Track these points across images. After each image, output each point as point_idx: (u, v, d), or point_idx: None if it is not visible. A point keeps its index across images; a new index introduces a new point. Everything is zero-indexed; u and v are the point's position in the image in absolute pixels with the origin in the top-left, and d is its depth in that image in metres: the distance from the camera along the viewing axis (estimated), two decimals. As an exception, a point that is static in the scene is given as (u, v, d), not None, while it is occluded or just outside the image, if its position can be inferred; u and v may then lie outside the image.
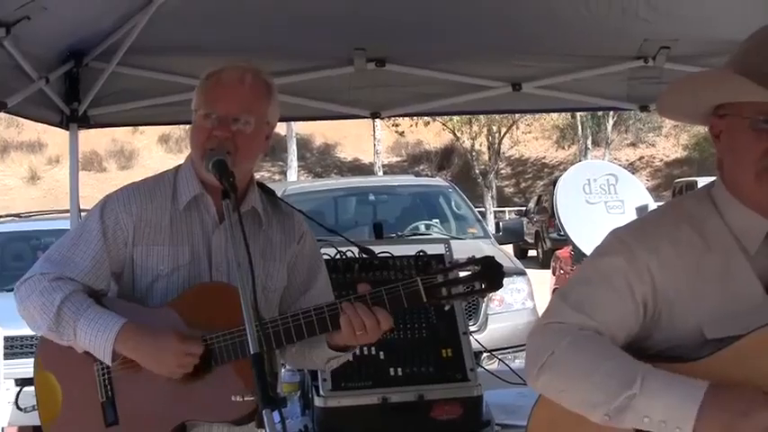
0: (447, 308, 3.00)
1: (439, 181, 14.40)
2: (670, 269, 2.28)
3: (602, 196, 9.65)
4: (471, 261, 2.82)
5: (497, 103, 5.70)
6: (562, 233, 10.25)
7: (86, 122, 5.19)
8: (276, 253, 3.17)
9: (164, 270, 3.04)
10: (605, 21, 4.76)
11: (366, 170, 43.81)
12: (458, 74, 5.38)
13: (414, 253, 4.40)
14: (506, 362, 8.31)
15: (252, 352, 2.50)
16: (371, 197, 11.82)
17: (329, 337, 2.99)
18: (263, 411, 2.37)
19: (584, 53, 5.33)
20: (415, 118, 38.02)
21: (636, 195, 9.64)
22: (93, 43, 4.76)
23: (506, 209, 41.10)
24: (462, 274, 2.82)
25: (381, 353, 4.10)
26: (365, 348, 4.05)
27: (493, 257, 2.86)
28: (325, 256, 3.80)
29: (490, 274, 2.82)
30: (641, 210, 9.40)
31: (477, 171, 41.71)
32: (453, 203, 11.63)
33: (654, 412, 2.13)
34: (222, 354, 2.91)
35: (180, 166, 3.19)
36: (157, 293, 3.05)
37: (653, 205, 10.77)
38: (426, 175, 37.47)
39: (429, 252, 4.45)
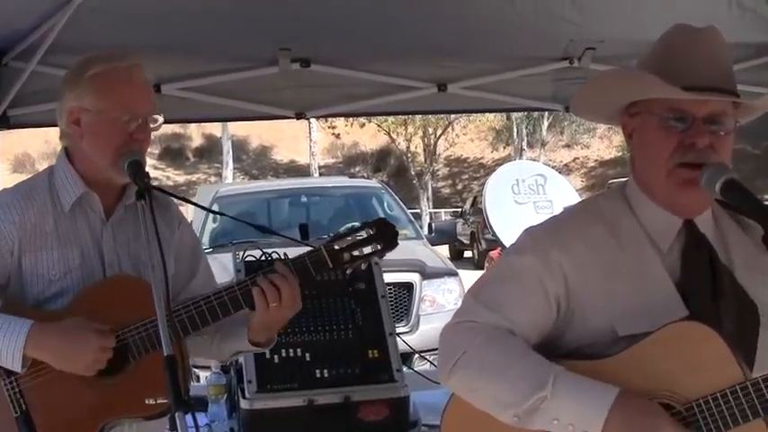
0: (349, 271, 3.01)
1: (371, 182, 14.44)
2: (582, 268, 2.30)
3: (530, 196, 9.73)
4: (366, 225, 2.93)
5: (423, 104, 5.71)
6: (490, 233, 10.33)
7: (6, 123, 5.10)
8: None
9: (55, 275, 2.96)
10: (531, 21, 4.78)
11: (302, 172, 43.67)
12: (383, 74, 5.37)
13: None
14: (436, 363, 8.39)
15: (165, 354, 2.46)
16: (304, 199, 11.81)
17: (250, 333, 3.00)
18: (176, 415, 2.34)
19: (509, 54, 5.35)
20: (350, 119, 38.19)
21: (564, 195, 9.72)
22: (12, 42, 4.67)
23: (442, 210, 41.23)
24: (360, 237, 2.93)
25: (307, 354, 4.09)
26: (291, 350, 4.05)
27: (384, 219, 3.00)
28: (250, 258, 3.78)
29: (384, 235, 2.93)
30: (569, 210, 9.49)
31: (413, 172, 41.79)
32: (386, 205, 11.65)
33: (563, 415, 2.14)
34: (138, 347, 2.87)
35: (52, 167, 3.07)
36: (51, 300, 2.97)
37: (581, 205, 10.89)
38: (363, 177, 37.65)
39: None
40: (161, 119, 3.00)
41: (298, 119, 5.56)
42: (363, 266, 3.02)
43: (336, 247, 2.91)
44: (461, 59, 5.36)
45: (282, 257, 4.22)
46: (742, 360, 2.17)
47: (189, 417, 2.38)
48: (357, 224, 2.99)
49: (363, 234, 2.92)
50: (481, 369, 2.26)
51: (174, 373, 2.40)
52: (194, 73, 5.14)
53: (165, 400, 2.58)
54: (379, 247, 2.93)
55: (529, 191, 9.69)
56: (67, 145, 3.05)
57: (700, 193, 2.25)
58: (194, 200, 15.51)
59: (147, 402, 2.74)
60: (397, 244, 2.98)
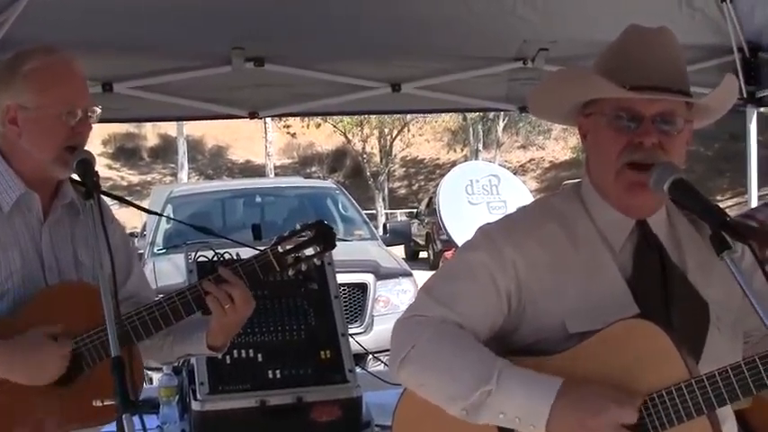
0: (291, 273, 3.05)
1: (326, 183, 14.45)
2: (535, 265, 2.31)
3: (484, 197, 9.76)
4: (306, 227, 3.01)
5: (377, 104, 5.72)
6: (444, 234, 10.37)
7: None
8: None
9: None
10: (485, 21, 4.80)
11: (258, 172, 43.52)
12: (337, 74, 5.38)
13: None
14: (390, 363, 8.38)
15: (113, 355, 2.43)
16: (258, 199, 11.80)
17: (209, 337, 3.02)
18: (123, 417, 2.31)
19: (463, 54, 5.38)
20: (306, 120, 38.18)
21: (518, 196, 9.78)
22: (-40, 38, 4.61)
23: (398, 211, 41.27)
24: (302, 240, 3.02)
25: (260, 355, 4.06)
26: (243, 351, 4.02)
27: (322, 221, 3.07)
28: (202, 259, 3.75)
29: (324, 236, 3.02)
30: (522, 210, 9.52)
31: (369, 173, 41.81)
32: (340, 205, 11.67)
33: (509, 409, 2.16)
34: (92, 355, 2.85)
35: None
36: None
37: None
38: (319, 177, 37.61)
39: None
40: (98, 110, 2.96)
41: (251, 118, 5.54)
42: (304, 267, 3.03)
43: (281, 250, 2.96)
44: (415, 59, 5.38)
45: (235, 258, 4.24)
46: (689, 358, 2.18)
47: (146, 419, 2.36)
48: (298, 226, 3.04)
49: (305, 236, 2.98)
50: (429, 363, 2.27)
51: (121, 375, 2.37)
52: (147, 71, 5.11)
53: (111, 402, 2.55)
54: (319, 248, 3.01)
55: (482, 191, 9.72)
56: (1, 144, 2.97)
57: (648, 195, 2.26)
58: (149, 200, 15.45)
59: (94, 404, 2.71)
60: (335, 245, 3.06)
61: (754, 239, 2.58)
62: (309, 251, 2.99)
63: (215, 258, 4.24)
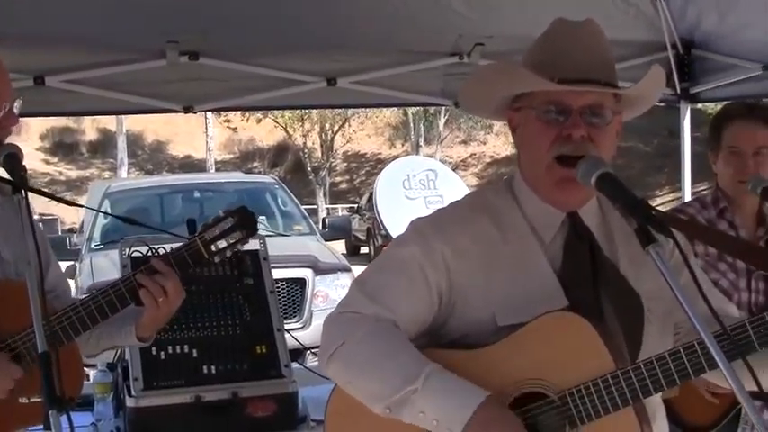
0: (217, 258, 3.06)
1: (265, 178, 14.43)
2: (465, 258, 2.31)
3: (421, 191, 9.79)
4: (228, 213, 3.01)
5: (313, 98, 5.70)
6: (382, 229, 10.40)
7: None
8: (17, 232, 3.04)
9: None
10: (420, 16, 4.81)
11: (198, 167, 43.25)
12: (272, 68, 5.36)
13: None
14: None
15: (39, 350, 2.40)
16: (197, 194, 11.76)
17: (139, 329, 3.03)
18: (49, 413, 2.28)
19: (399, 49, 5.38)
20: (246, 115, 38.00)
21: (455, 190, 9.80)
22: None
23: (339, 206, 41.25)
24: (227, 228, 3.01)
25: (194, 350, 4.04)
26: (177, 346, 4.00)
27: (244, 207, 3.06)
28: (137, 254, 3.73)
29: (246, 222, 3.01)
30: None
31: (310, 168, 41.74)
32: (279, 200, 11.67)
33: (429, 410, 2.16)
34: (31, 354, 2.80)
35: None
36: None
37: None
38: (260, 173, 37.45)
39: (244, 248, 4.40)
40: (20, 101, 2.90)
41: (186, 113, 5.50)
42: (229, 254, 3.04)
43: (208, 238, 2.98)
44: (350, 54, 5.38)
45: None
46: (624, 349, 2.22)
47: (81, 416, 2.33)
48: (220, 213, 3.05)
49: (229, 223, 3.00)
50: (357, 361, 2.28)
51: (47, 370, 2.34)
52: (79, 65, 5.05)
53: (38, 399, 2.52)
54: (242, 234, 3.02)
55: (420, 186, 9.75)
56: None
57: (577, 190, 2.28)
58: (86, 195, 15.28)
59: (20, 401, 2.68)
60: (257, 230, 3.10)
61: (686, 232, 2.62)
62: (234, 237, 3.00)
63: (149, 254, 4.23)
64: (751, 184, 3.67)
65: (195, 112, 5.51)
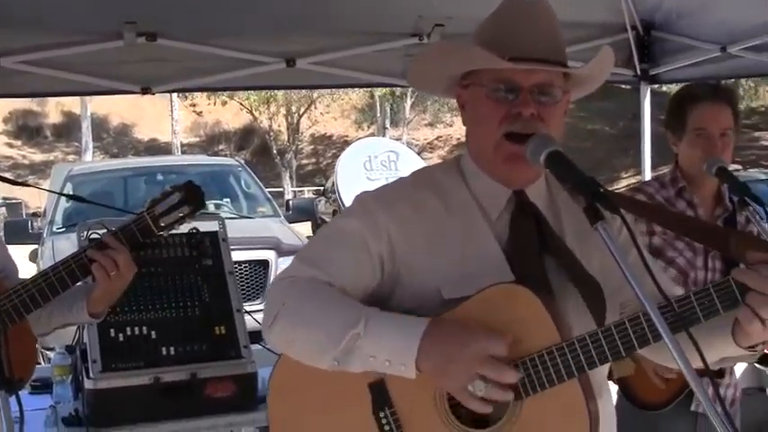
0: (165, 234, 3.17)
1: (229, 160, 14.40)
2: (409, 231, 2.30)
3: (383, 173, 9.79)
4: (175, 188, 3.09)
5: (272, 79, 5.67)
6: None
7: None
8: None
9: None
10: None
11: (164, 150, 43.00)
12: (231, 49, 5.33)
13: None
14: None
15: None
16: (160, 177, 11.70)
17: (90, 305, 3.09)
18: (-1, 395, 2.28)
19: (358, 29, 5.36)
20: (212, 97, 37.82)
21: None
22: None
23: (305, 188, 41.19)
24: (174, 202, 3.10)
25: (153, 332, 4.05)
26: (136, 328, 4.01)
27: (191, 182, 3.15)
28: (95, 236, 3.71)
29: (193, 197, 3.10)
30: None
31: (276, 151, 41.64)
32: (243, 182, 11.66)
33: (379, 351, 2.14)
34: None
35: None
36: None
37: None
38: (226, 155, 37.31)
39: (203, 229, 4.39)
40: None
41: (143, 94, 5.46)
42: (177, 228, 3.15)
43: (157, 213, 3.05)
44: (309, 34, 5.36)
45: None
46: (572, 321, 2.22)
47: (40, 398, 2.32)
48: (168, 188, 3.12)
49: (176, 198, 3.07)
50: (298, 319, 2.25)
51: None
52: (35, 45, 5.00)
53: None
54: (190, 208, 3.10)
55: (381, 167, 9.75)
56: None
57: (526, 167, 2.27)
58: (49, 179, 15.17)
59: None
60: (205, 205, 3.16)
61: (640, 213, 2.62)
62: (182, 211, 3.07)
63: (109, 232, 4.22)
64: (706, 165, 3.70)
65: (153, 93, 5.47)
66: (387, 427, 2.23)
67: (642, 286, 1.96)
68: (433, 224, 2.31)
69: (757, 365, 6.56)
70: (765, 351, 5.19)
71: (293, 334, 2.27)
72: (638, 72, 6.33)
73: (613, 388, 4.03)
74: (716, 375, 3.92)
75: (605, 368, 2.33)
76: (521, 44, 2.27)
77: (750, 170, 26.76)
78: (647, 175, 6.61)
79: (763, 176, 21.49)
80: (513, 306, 2.17)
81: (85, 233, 3.93)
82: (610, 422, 2.40)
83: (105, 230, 3.65)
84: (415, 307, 2.26)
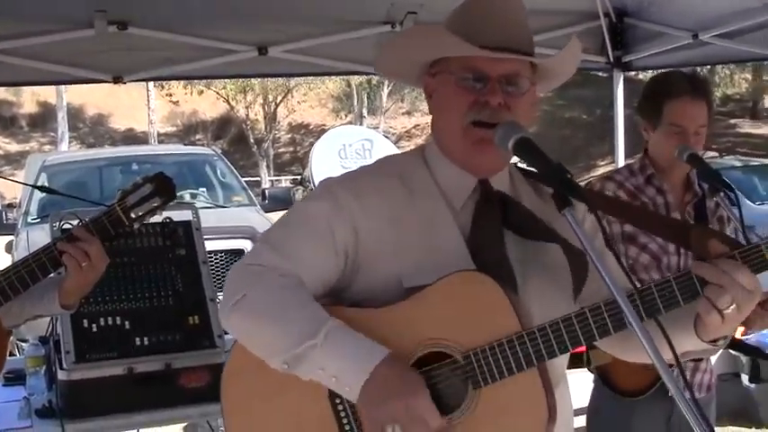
0: (136, 226, 3.14)
1: (205, 149, 14.39)
2: (374, 219, 2.30)
3: (357, 161, 9.83)
4: (146, 180, 3.08)
5: (244, 68, 5.66)
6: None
7: None
8: None
9: None
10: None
11: (141, 140, 42.81)
12: (203, 37, 5.31)
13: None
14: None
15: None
16: (135, 167, 11.66)
17: (62, 296, 3.08)
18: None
19: (331, 17, 5.35)
20: (188, 87, 37.70)
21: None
22: None
23: (282, 177, 41.12)
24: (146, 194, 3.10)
25: (127, 322, 4.05)
26: (110, 318, 4.00)
27: (162, 173, 3.13)
28: (68, 226, 3.70)
29: (165, 188, 3.09)
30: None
31: (253, 140, 41.56)
32: (219, 171, 11.63)
33: (329, 366, 2.13)
34: None
35: None
36: None
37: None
38: (203, 145, 37.23)
39: (177, 219, 4.38)
40: None
41: (115, 83, 5.43)
42: (149, 219, 3.14)
43: (128, 204, 3.04)
44: (282, 22, 5.34)
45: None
46: (523, 310, 2.20)
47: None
48: (139, 180, 3.10)
49: (147, 189, 3.06)
50: (257, 313, 2.22)
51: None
52: (5, 35, 4.96)
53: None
54: (161, 200, 3.09)
55: (356, 155, 9.78)
56: None
57: (494, 152, 2.27)
58: (24, 170, 15.10)
59: None
60: (176, 196, 3.15)
61: (606, 209, 2.63)
62: (153, 203, 3.07)
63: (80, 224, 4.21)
64: (678, 151, 3.71)
65: (125, 82, 5.44)
66: (342, 413, 2.22)
67: (608, 272, 1.97)
68: (398, 212, 2.31)
69: (732, 351, 6.63)
70: (739, 337, 5.24)
71: (251, 327, 2.25)
72: (611, 59, 6.35)
73: (590, 377, 4.07)
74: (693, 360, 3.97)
75: (564, 359, 2.34)
76: (491, 34, 2.27)
77: (726, 157, 26.91)
78: (621, 162, 6.63)
79: (739, 163, 21.59)
80: (473, 294, 2.18)
81: (58, 224, 3.91)
82: (566, 413, 2.41)
83: (78, 221, 3.65)
84: (375, 295, 2.26)
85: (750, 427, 7.38)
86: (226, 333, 4.08)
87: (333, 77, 35.31)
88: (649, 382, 3.82)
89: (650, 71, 7.08)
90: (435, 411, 2.08)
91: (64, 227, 3.83)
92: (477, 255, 2.28)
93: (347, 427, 2.21)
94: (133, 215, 3.05)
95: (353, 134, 10.50)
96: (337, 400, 2.21)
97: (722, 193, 3.63)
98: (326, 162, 9.84)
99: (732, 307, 2.04)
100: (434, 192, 2.36)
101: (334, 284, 2.31)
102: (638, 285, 2.10)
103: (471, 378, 2.14)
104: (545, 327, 2.13)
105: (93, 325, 3.98)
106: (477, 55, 2.25)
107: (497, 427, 2.16)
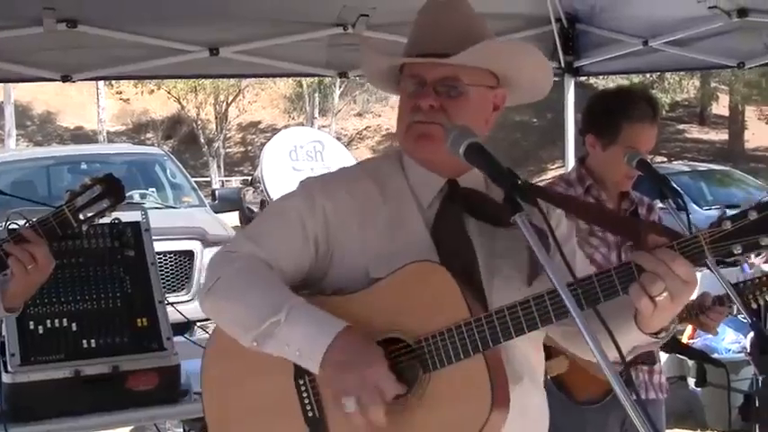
0: (84, 227, 3.08)
1: (154, 149, 14.31)
2: (344, 214, 2.45)
3: (308, 163, 9.84)
4: (95, 181, 3.03)
5: (195, 68, 5.65)
6: (269, 200, 10.41)
7: None
8: None
9: None
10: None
11: (90, 139, 42.44)
12: (154, 37, 5.27)
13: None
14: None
15: None
16: (84, 166, 11.57)
17: (6, 300, 3.04)
18: None
19: (283, 19, 5.34)
20: (139, 86, 37.45)
21: (342, 162, 9.90)
22: None
23: (233, 178, 40.98)
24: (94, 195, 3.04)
25: (74, 324, 3.99)
26: (56, 320, 3.95)
27: (111, 174, 3.08)
28: (14, 226, 3.65)
29: (113, 190, 3.04)
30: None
31: (204, 140, 41.39)
32: (168, 172, 11.58)
33: (293, 341, 2.26)
34: None
35: None
36: None
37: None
38: (153, 144, 37.00)
39: (125, 220, 4.34)
40: None
41: (64, 81, 5.38)
42: (97, 221, 3.09)
43: (76, 206, 3.00)
44: (232, 23, 5.32)
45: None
46: (473, 299, 2.29)
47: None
48: (87, 181, 3.06)
49: (96, 191, 3.02)
50: (229, 294, 2.39)
51: None
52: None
53: None
54: (110, 201, 3.04)
55: (307, 157, 9.81)
56: None
57: (433, 145, 2.38)
58: (-31, 168, 14.89)
59: None
60: (125, 198, 3.11)
61: (557, 206, 2.68)
62: (102, 204, 3.02)
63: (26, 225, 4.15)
64: (627, 157, 3.75)
65: (74, 81, 5.39)
66: (305, 393, 2.35)
67: (558, 273, 2.03)
68: (368, 209, 2.46)
69: (678, 356, 6.71)
70: (686, 341, 5.31)
71: (223, 308, 2.43)
72: (563, 64, 6.39)
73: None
74: (649, 362, 4.02)
75: (527, 355, 2.45)
76: (425, 40, 2.42)
77: (674, 162, 27.19)
78: (571, 164, 6.66)
79: (687, 169, 21.82)
80: (426, 283, 2.29)
81: (4, 224, 3.86)
82: (535, 412, 2.52)
83: (24, 221, 3.60)
84: (345, 286, 2.41)
85: (696, 430, 7.48)
86: (177, 334, 4.07)
87: (284, 78, 35.35)
88: (604, 390, 3.86)
89: (601, 76, 7.14)
90: (392, 380, 2.19)
91: (10, 227, 3.77)
92: (441, 247, 2.41)
93: (308, 407, 2.35)
94: (82, 217, 3.00)
95: (304, 136, 10.50)
96: (300, 381, 2.35)
97: (669, 200, 3.67)
98: (277, 163, 9.83)
99: (664, 295, 2.09)
100: (405, 192, 2.50)
101: (309, 272, 2.48)
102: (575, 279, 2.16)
103: (422, 363, 2.25)
104: (491, 314, 2.22)
105: (40, 327, 3.92)
106: (407, 62, 2.44)
107: (441, 411, 2.24)
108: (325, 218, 2.44)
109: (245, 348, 2.34)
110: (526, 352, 2.43)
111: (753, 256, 11.46)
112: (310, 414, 2.35)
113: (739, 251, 2.06)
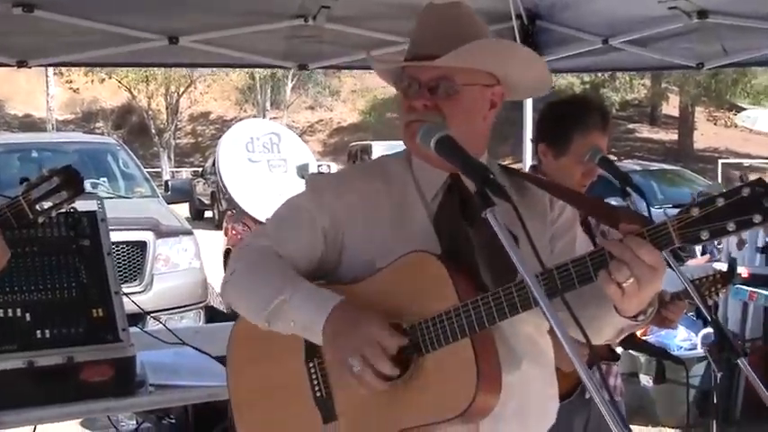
0: (40, 219, 3.01)
1: (107, 139, 14.17)
2: (351, 209, 2.60)
3: (264, 155, 9.84)
4: (53, 173, 2.97)
5: (154, 56, 5.60)
6: (224, 192, 10.38)
7: None
8: None
9: None
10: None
11: (39, 127, 42.05)
12: (112, 24, 5.20)
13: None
14: (173, 321, 8.27)
15: None
16: (35, 154, 11.44)
17: None
18: None
19: (243, 9, 5.29)
20: (90, 74, 37.13)
21: (298, 154, 9.90)
22: None
23: (183, 169, 40.79)
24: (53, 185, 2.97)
25: (27, 314, 3.92)
26: (9, 310, 3.89)
27: (69, 166, 3.02)
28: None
29: (72, 182, 2.98)
30: (302, 168, 9.71)
31: (154, 130, 41.16)
32: (121, 162, 11.48)
33: (298, 317, 2.47)
34: None
35: None
36: None
37: (314, 164, 11.23)
38: (103, 134, 36.70)
39: (81, 209, 4.29)
40: None
41: (19, 67, 5.29)
42: (54, 213, 3.01)
43: (33, 198, 2.94)
44: (193, 12, 5.26)
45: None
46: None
47: None
48: (45, 172, 3.00)
49: (54, 182, 2.97)
50: (243, 282, 2.64)
51: None
52: None
53: None
54: (68, 193, 2.99)
55: (263, 149, 9.81)
56: None
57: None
58: None
59: None
60: (84, 190, 3.06)
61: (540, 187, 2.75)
62: (60, 197, 2.97)
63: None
64: (589, 155, 3.76)
65: (30, 67, 5.31)
66: (314, 375, 2.55)
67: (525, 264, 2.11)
68: (374, 204, 2.60)
69: (632, 352, 6.76)
70: (641, 336, 5.31)
71: (239, 294, 2.66)
72: (523, 61, 6.38)
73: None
74: (612, 359, 4.04)
75: (531, 339, 2.58)
76: (421, 42, 2.55)
77: (625, 161, 27.39)
78: (528, 163, 6.69)
79: (638, 168, 21.99)
80: (420, 272, 2.44)
81: (-42, 212, 3.79)
82: (536, 397, 2.61)
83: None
84: (354, 277, 2.57)
85: (647, 425, 7.54)
86: (131, 326, 4.02)
87: (237, 69, 35.25)
88: (566, 391, 3.87)
89: (560, 74, 7.18)
90: (393, 335, 2.35)
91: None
92: (442, 236, 2.54)
93: (317, 388, 2.55)
94: (38, 208, 2.94)
95: (261, 128, 10.47)
96: (310, 364, 2.56)
97: (632, 197, 3.69)
98: (233, 155, 9.81)
99: (630, 281, 2.14)
100: (410, 186, 2.63)
101: (320, 266, 2.65)
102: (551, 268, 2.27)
103: (415, 346, 2.39)
104: (476, 300, 2.33)
105: (-8, 316, 3.86)
106: (401, 66, 2.58)
107: (431, 391, 2.38)
108: (333, 213, 2.61)
109: (262, 332, 2.56)
110: (530, 335, 2.57)
111: (698, 254, 11.63)
112: (318, 394, 2.54)
113: (707, 236, 2.09)
